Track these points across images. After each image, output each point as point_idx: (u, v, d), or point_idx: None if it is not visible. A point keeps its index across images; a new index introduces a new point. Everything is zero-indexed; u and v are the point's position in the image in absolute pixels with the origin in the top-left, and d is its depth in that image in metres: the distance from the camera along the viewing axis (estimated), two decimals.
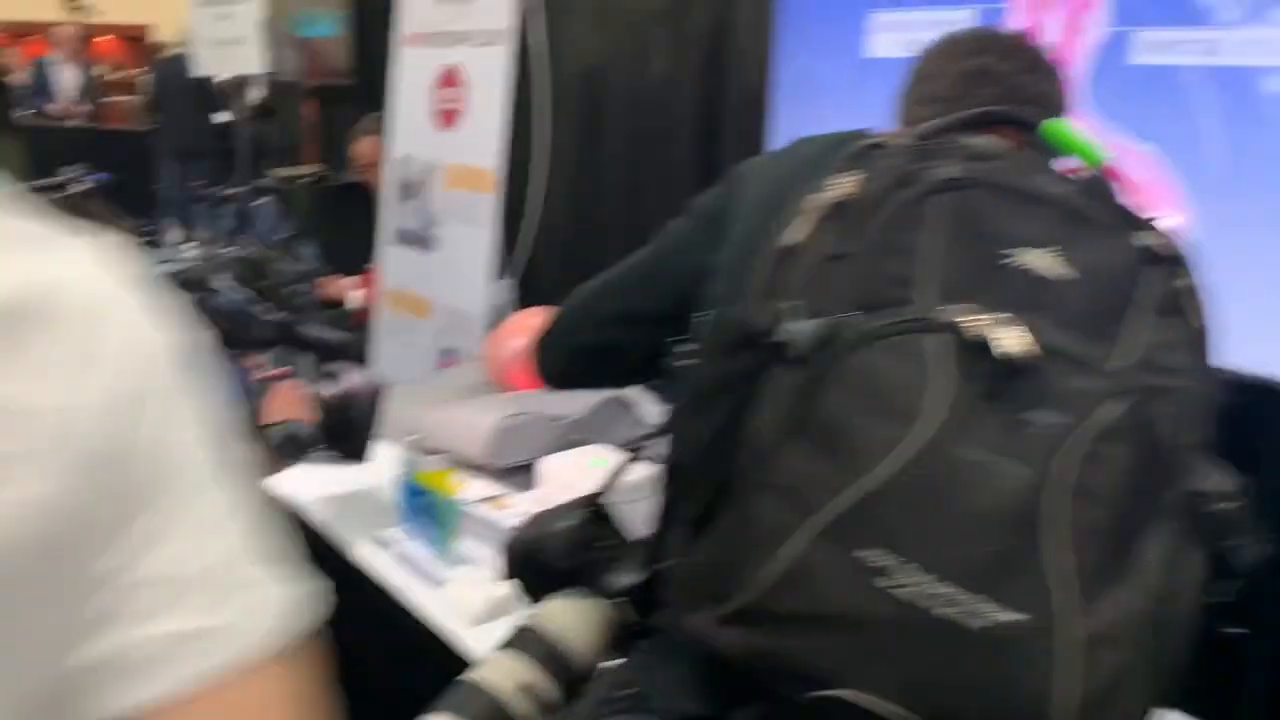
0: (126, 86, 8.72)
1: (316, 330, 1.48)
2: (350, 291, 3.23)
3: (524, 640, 0.88)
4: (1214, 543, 0.70)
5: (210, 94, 5.58)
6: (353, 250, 3.30)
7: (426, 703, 0.84)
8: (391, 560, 1.56)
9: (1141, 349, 0.70)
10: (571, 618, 0.90)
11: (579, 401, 1.91)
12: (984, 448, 0.64)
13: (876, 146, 0.78)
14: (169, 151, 6.57)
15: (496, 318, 2.62)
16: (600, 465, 1.78)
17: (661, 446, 0.87)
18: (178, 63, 6.45)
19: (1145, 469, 0.67)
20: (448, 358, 2.71)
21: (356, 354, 2.99)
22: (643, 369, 1.06)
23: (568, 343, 1.10)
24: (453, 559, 1.51)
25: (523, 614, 0.94)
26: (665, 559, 0.83)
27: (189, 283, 1.25)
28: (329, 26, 4.83)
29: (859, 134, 0.86)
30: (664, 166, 2.94)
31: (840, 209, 0.74)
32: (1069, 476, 0.64)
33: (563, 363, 1.12)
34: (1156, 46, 1.54)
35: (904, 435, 0.64)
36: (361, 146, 3.39)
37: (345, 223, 5.38)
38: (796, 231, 0.74)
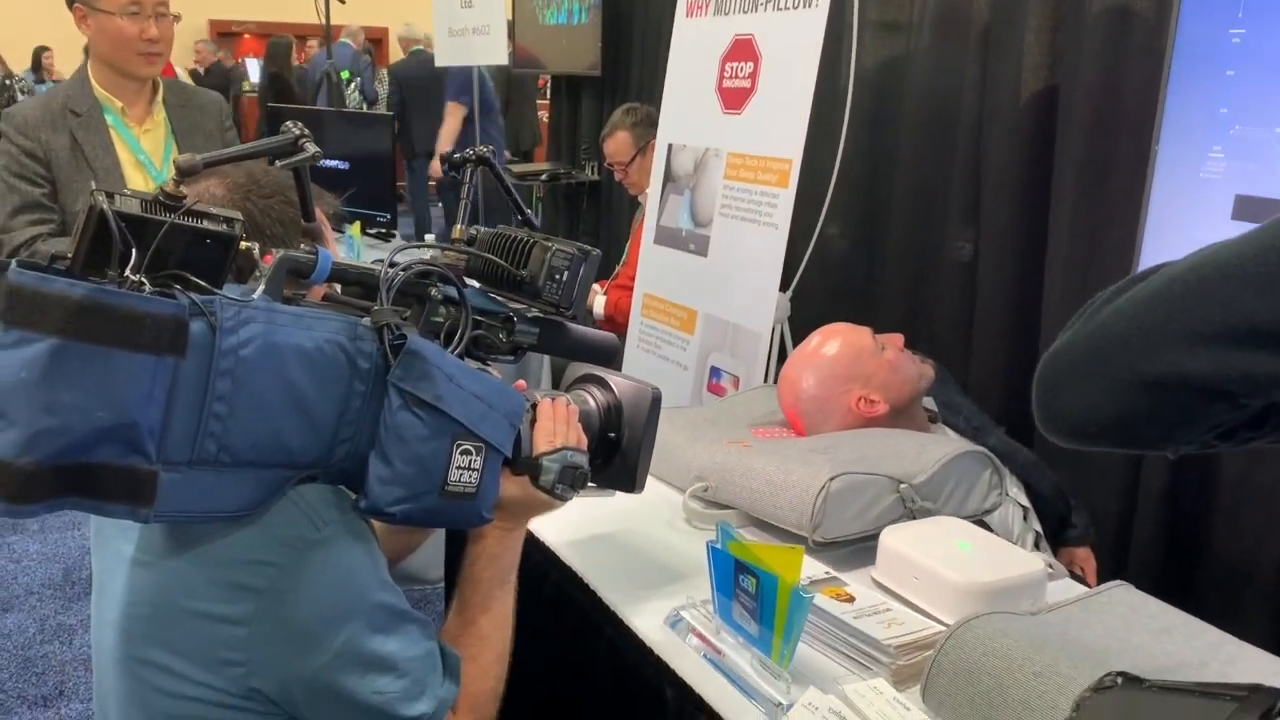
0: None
1: (577, 331, 1.14)
2: (597, 297, 2.92)
3: None
4: None
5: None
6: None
7: None
8: (702, 660, 1.17)
9: None
10: None
11: (924, 456, 1.46)
12: None
13: None
14: (409, 151, 6.49)
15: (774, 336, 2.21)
16: (965, 547, 1.33)
17: None
18: (420, 60, 6.41)
19: None
20: (715, 379, 2.33)
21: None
22: (1243, 427, 0.63)
23: (1122, 375, 0.63)
24: (786, 671, 1.10)
25: None
26: None
27: (425, 277, 0.91)
28: (580, 14, 4.58)
29: None
30: (967, 181, 2.46)
31: None
32: None
33: (1109, 407, 0.65)
34: None
35: None
36: (615, 141, 3.14)
37: (583, 223, 5.14)
38: None
